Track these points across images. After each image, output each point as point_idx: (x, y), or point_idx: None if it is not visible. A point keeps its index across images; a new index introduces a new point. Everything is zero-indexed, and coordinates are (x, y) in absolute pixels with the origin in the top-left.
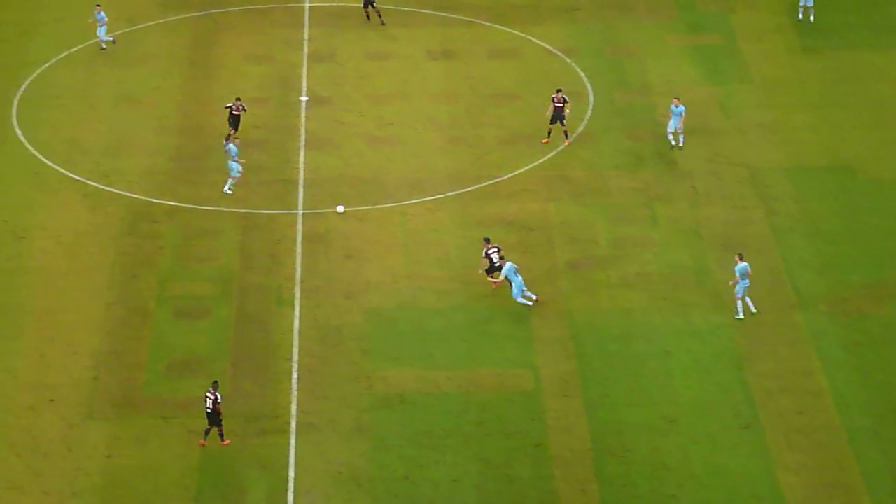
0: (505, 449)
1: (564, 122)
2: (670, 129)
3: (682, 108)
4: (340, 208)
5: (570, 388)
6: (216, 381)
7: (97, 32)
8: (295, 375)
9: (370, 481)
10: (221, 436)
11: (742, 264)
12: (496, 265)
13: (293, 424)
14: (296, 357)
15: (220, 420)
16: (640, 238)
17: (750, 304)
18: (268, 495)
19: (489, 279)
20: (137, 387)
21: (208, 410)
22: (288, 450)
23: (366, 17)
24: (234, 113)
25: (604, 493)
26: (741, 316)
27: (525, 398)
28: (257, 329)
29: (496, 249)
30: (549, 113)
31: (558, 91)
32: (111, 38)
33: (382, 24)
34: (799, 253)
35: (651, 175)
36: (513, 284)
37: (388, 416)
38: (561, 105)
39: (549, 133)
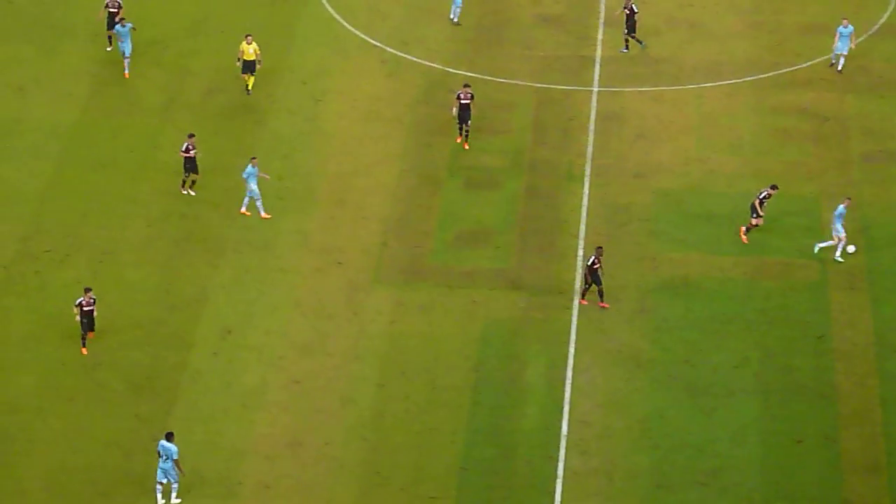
0: (786, 339)
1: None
2: (837, 50)
3: (851, 28)
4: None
5: (857, 282)
6: (600, 247)
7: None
8: (581, 252)
9: (650, 362)
10: (601, 295)
11: None
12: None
13: (576, 301)
14: (582, 234)
15: (600, 281)
16: None
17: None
18: (547, 370)
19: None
20: (424, 255)
21: (585, 273)
22: (570, 326)
23: (625, 45)
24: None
25: (884, 389)
26: None
27: (810, 289)
28: (545, 204)
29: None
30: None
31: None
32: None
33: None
34: None
35: None
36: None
37: (671, 299)
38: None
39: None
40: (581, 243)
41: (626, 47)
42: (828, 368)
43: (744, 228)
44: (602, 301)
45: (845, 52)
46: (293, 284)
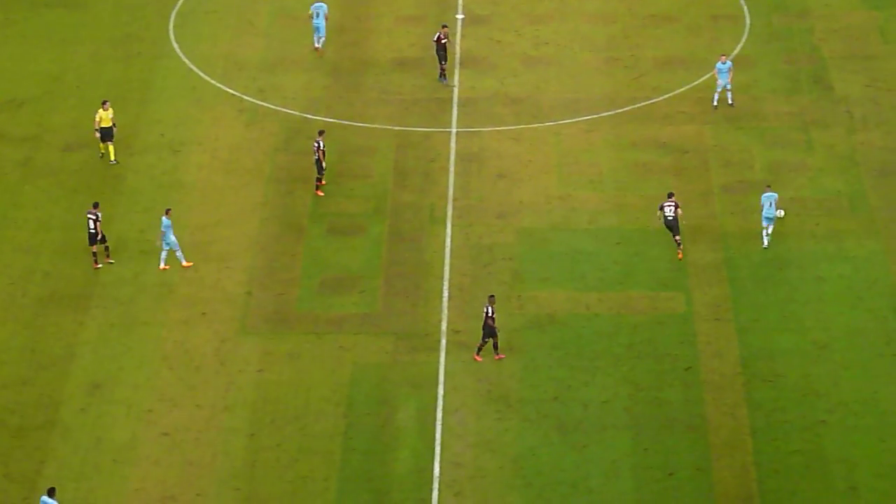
0: (655, 372)
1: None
2: (718, 87)
3: (729, 63)
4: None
5: (722, 313)
6: (492, 296)
7: None
8: (446, 294)
9: (520, 401)
10: (496, 348)
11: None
12: None
13: (443, 343)
14: (447, 276)
15: (494, 333)
16: (794, 163)
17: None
18: (417, 413)
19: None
20: (290, 303)
21: (485, 327)
22: (438, 368)
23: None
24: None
25: (753, 418)
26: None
27: (676, 321)
28: (409, 247)
29: (673, 205)
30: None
31: (443, 26)
32: None
33: (444, 81)
34: None
35: (807, 100)
36: None
37: (538, 337)
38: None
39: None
40: (446, 285)
41: (444, 77)
42: (697, 400)
43: (679, 253)
44: (497, 353)
45: (729, 87)
46: (159, 337)
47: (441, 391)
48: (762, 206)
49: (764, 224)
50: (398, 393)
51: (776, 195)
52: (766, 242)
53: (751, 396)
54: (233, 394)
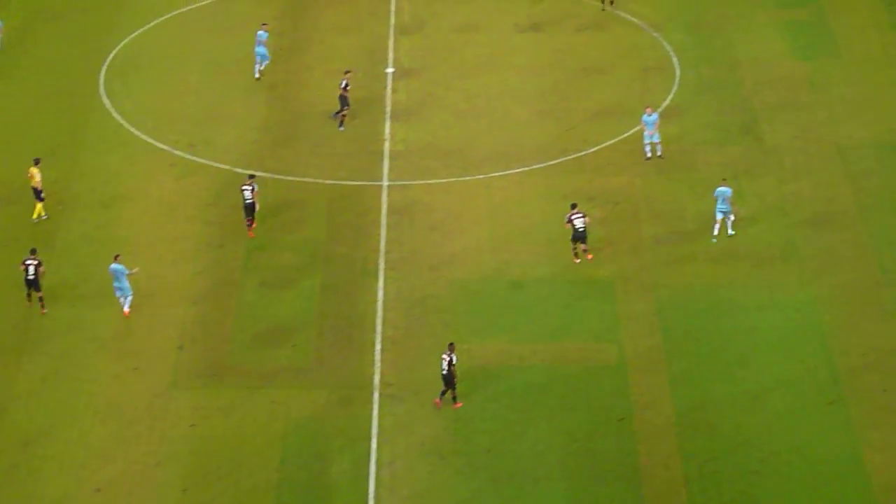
0: (589, 423)
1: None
2: (646, 139)
3: (655, 116)
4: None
5: (655, 363)
6: (452, 343)
7: None
8: (379, 347)
9: (453, 454)
10: (454, 399)
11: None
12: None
13: (376, 396)
14: (380, 328)
15: (454, 383)
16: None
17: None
18: (351, 466)
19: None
20: (222, 356)
21: (444, 373)
22: (371, 421)
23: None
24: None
25: (687, 469)
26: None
27: (609, 373)
28: (342, 300)
29: (581, 215)
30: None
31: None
32: None
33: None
34: (886, 230)
35: (737, 150)
36: None
37: (471, 389)
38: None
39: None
40: (378, 338)
41: (341, 125)
42: (631, 451)
43: (588, 255)
44: (455, 402)
45: (657, 140)
46: (91, 392)
47: (374, 444)
48: (716, 198)
49: (717, 217)
50: (331, 446)
51: (730, 191)
52: (715, 235)
53: (684, 446)
54: (165, 448)
